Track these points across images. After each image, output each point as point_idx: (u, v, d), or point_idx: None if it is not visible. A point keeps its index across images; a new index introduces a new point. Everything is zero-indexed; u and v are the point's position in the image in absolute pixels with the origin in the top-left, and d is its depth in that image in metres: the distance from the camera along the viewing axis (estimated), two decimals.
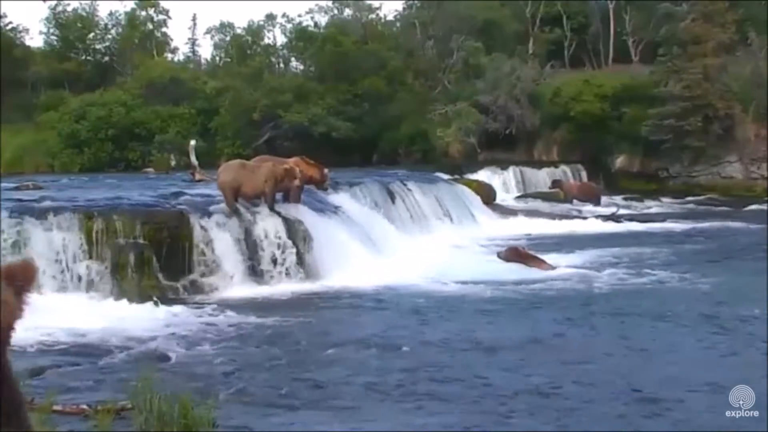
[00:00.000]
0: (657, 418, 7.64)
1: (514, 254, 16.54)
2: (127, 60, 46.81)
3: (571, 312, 12.26)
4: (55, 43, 47.11)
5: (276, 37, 47.47)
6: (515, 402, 8.16)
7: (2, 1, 47.42)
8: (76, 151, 38.76)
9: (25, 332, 9.95)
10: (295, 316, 12.47)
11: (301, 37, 44.72)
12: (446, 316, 12.29)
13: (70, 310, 11.86)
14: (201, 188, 19.46)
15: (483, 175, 30.80)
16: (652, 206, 29.84)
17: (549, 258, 16.63)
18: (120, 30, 48.09)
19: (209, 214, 15.11)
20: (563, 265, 16.38)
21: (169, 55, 49.93)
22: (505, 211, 26.93)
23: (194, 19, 56.16)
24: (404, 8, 48.29)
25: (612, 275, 15.36)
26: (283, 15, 48.19)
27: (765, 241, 18.89)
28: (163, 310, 12.64)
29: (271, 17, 47.06)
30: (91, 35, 47.51)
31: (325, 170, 17.63)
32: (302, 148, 28.90)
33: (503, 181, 31.47)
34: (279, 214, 15.68)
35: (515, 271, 15.66)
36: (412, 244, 18.59)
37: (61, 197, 16.84)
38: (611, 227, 23.90)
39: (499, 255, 16.70)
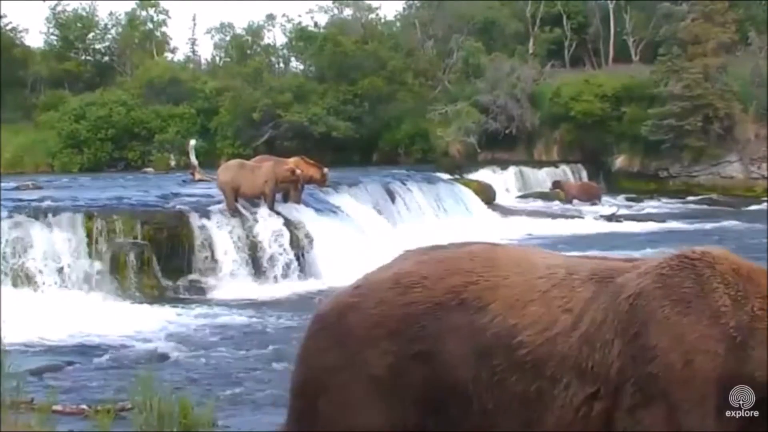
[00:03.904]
0: None
1: None
2: (127, 60, 46.77)
3: None
4: (55, 43, 47.01)
5: (276, 37, 47.47)
6: None
7: (2, 1, 47.42)
8: (76, 151, 38.70)
9: (25, 332, 9.97)
10: (295, 316, 12.47)
11: (301, 37, 44.66)
12: None
13: (70, 310, 11.87)
14: (201, 188, 19.48)
15: (483, 175, 30.77)
16: (652, 206, 29.82)
17: None
18: (120, 30, 48.04)
19: (209, 214, 15.13)
20: None
21: (169, 55, 49.84)
22: (506, 211, 26.91)
23: (194, 19, 56.17)
24: (404, 8, 48.31)
25: None
26: (283, 15, 48.19)
27: (765, 241, 18.89)
28: (163, 309, 12.65)
29: (271, 17, 47.04)
30: (91, 35, 47.41)
31: (325, 170, 17.64)
32: (302, 148, 28.92)
33: (503, 181, 31.44)
34: (279, 214, 15.69)
35: None
36: (411, 244, 18.54)
37: (61, 197, 16.85)
38: (611, 227, 23.89)
39: None
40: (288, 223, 15.56)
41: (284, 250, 15.09)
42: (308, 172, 16.99)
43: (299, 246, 15.26)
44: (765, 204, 27.36)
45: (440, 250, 3.14)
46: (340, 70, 39.00)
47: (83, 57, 46.84)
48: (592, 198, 29.00)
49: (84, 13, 47.14)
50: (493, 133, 35.45)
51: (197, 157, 25.62)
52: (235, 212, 15.30)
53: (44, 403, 5.99)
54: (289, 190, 16.39)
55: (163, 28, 48.95)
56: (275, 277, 14.81)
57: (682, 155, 32.55)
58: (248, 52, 46.15)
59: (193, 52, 50.68)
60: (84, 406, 7.42)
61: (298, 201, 16.47)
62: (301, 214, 16.14)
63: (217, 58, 49.84)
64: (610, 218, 25.42)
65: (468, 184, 27.86)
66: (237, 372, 9.29)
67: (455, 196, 25.10)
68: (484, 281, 2.83)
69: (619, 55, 40.90)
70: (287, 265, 14.99)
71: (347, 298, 3.07)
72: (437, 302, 2.79)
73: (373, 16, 45.54)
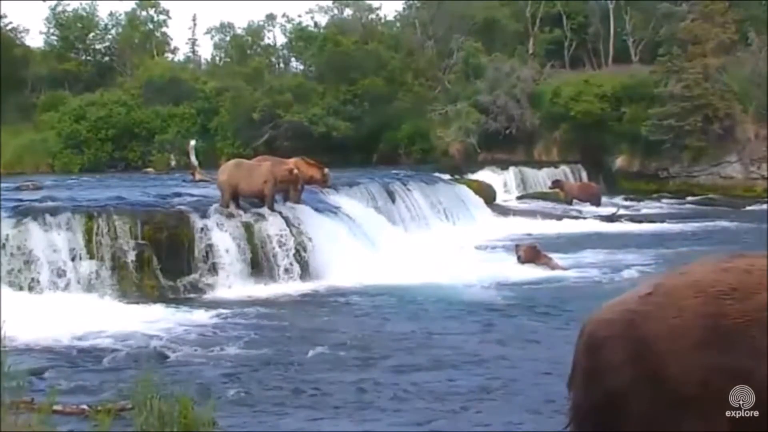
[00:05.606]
0: None
1: (530, 253, 16.37)
2: (127, 60, 46.80)
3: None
4: (55, 43, 47.06)
5: (276, 37, 47.53)
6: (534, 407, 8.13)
7: (2, 1, 47.43)
8: (76, 151, 38.77)
9: (25, 332, 9.97)
10: (295, 316, 12.48)
11: (301, 37, 44.72)
12: (450, 317, 12.25)
13: (70, 310, 11.87)
14: (201, 188, 19.49)
15: (483, 175, 30.76)
16: (652, 206, 29.81)
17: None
18: (120, 30, 48.07)
19: (209, 214, 15.13)
20: (570, 266, 16.40)
21: (169, 55, 49.88)
22: (506, 211, 26.91)
23: (194, 19, 55.96)
24: (404, 8, 48.36)
25: (621, 276, 15.18)
26: (283, 15, 48.24)
27: (765, 241, 18.88)
28: (164, 310, 12.65)
29: (271, 17, 47.09)
30: (91, 35, 47.47)
31: (326, 170, 17.64)
32: (302, 148, 28.92)
33: (503, 181, 31.45)
34: (279, 214, 15.69)
35: (524, 271, 15.66)
36: (412, 245, 18.58)
37: (61, 197, 16.86)
38: (612, 227, 23.88)
39: (519, 258, 16.46)
40: (288, 223, 15.56)
41: (284, 250, 15.09)
42: (308, 172, 16.99)
43: (299, 246, 15.26)
44: (765, 204, 27.34)
45: (744, 258, 2.88)
46: (340, 70, 39.02)
47: (83, 57, 46.91)
48: (591, 198, 28.98)
49: (84, 14, 47.20)
50: (493, 133, 35.47)
51: (197, 157, 25.64)
52: (227, 209, 15.29)
53: (44, 403, 5.98)
54: (288, 190, 16.39)
55: (163, 29, 49.06)
56: (275, 277, 14.81)
57: (682, 155, 32.55)
58: (248, 52, 46.21)
59: (193, 52, 50.77)
60: (84, 406, 7.42)
61: (297, 201, 16.46)
62: (301, 214, 16.14)
63: (217, 58, 49.90)
64: (610, 218, 25.42)
65: (468, 184, 27.88)
66: (237, 372, 9.29)
67: (455, 197, 25.11)
68: None
69: (619, 55, 40.91)
70: (287, 265, 14.99)
71: (636, 306, 2.80)
72: (750, 318, 2.58)
73: (373, 16, 45.64)
